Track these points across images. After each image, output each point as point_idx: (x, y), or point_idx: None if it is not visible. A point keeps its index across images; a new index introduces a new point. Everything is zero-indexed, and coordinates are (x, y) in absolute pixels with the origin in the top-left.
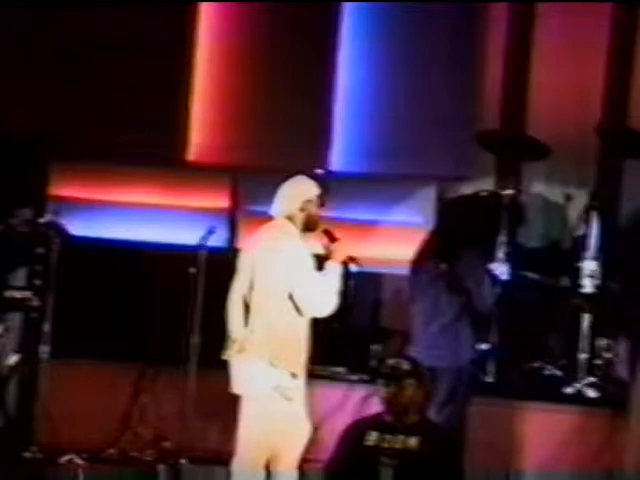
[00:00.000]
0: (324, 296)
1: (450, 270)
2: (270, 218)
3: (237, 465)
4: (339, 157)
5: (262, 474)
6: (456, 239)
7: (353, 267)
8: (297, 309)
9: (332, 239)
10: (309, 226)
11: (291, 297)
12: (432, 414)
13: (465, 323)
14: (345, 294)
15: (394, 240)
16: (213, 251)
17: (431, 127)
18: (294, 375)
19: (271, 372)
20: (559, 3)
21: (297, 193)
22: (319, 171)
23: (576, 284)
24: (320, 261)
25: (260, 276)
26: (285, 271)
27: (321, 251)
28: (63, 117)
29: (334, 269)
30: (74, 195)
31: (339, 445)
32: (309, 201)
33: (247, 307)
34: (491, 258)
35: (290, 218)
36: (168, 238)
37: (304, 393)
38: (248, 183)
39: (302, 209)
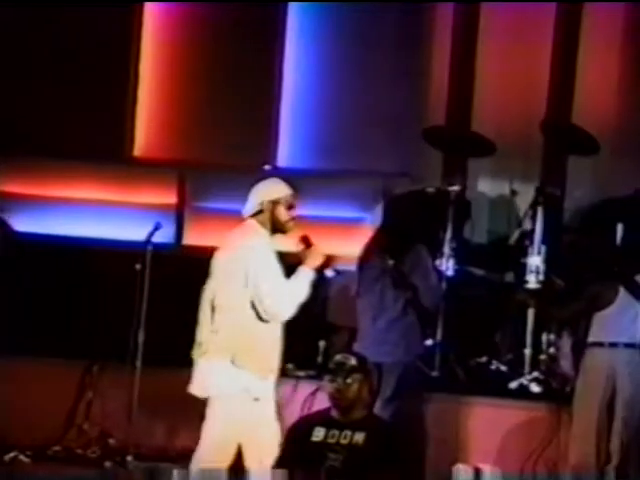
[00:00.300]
0: (281, 301)
1: (397, 266)
2: (216, 214)
3: (198, 465)
4: (286, 153)
5: (224, 475)
6: (402, 235)
7: (329, 272)
8: (254, 308)
9: (308, 245)
10: (277, 227)
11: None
12: (379, 410)
13: (412, 319)
14: (315, 299)
15: (341, 236)
16: (159, 247)
17: (377, 124)
18: (262, 376)
19: (236, 373)
20: (503, 2)
21: (263, 193)
22: (266, 167)
23: (521, 280)
24: (293, 264)
25: (226, 277)
26: (247, 273)
27: (291, 250)
28: (8, 113)
29: (305, 275)
30: (20, 191)
31: (286, 441)
32: (274, 202)
33: (213, 308)
34: (437, 254)
35: (258, 219)
36: (114, 234)
37: (273, 392)
38: (195, 179)
39: (268, 210)
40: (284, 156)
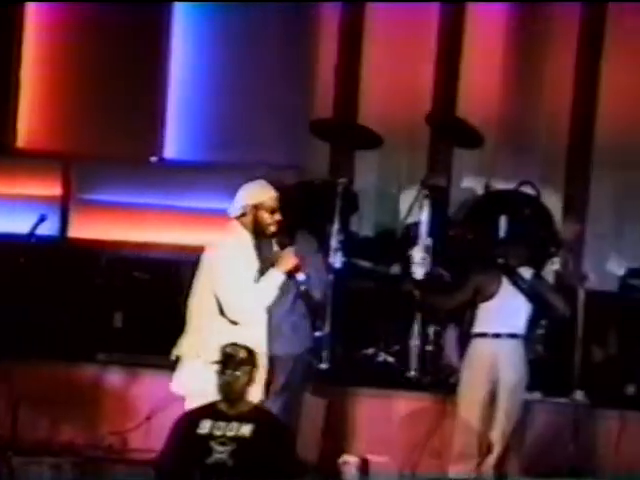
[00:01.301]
0: (245, 302)
1: None
2: (102, 206)
3: None
4: (174, 145)
5: None
6: (291, 227)
7: (300, 276)
8: (221, 311)
9: (282, 247)
10: (259, 230)
11: (217, 298)
12: (267, 402)
13: (302, 311)
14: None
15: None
16: (44, 240)
17: (266, 117)
18: None
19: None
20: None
21: (246, 197)
22: (153, 159)
23: (408, 272)
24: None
25: (198, 279)
26: (213, 276)
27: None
28: None
29: (274, 277)
30: None
31: (172, 434)
32: (257, 206)
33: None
34: (326, 246)
35: (241, 220)
36: None
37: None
38: (81, 171)
39: (251, 214)
40: (172, 148)
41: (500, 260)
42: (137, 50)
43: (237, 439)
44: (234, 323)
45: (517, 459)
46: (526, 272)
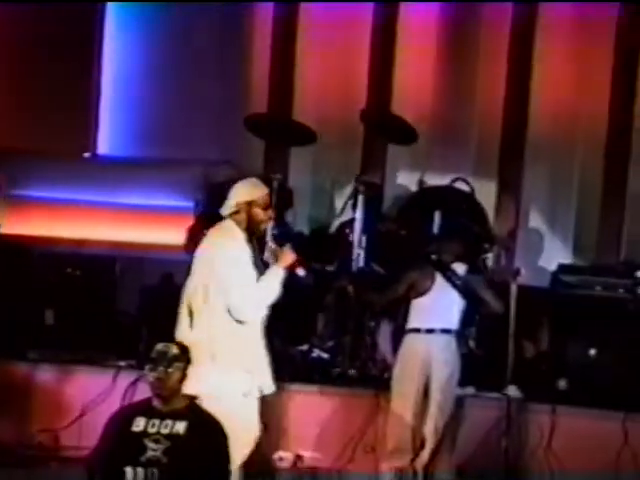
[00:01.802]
0: (248, 304)
1: None
2: (33, 202)
3: None
4: (107, 141)
5: None
6: None
7: (300, 271)
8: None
9: (280, 244)
10: (252, 227)
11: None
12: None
13: None
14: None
15: (162, 224)
16: None
17: (199, 112)
18: (245, 374)
19: (218, 373)
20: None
21: (239, 195)
22: (86, 155)
23: (342, 267)
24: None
25: (200, 277)
26: (217, 275)
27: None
28: None
29: (275, 274)
30: None
31: (106, 431)
32: (251, 203)
33: (191, 310)
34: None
35: (234, 219)
36: None
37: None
38: (11, 166)
39: (244, 211)
40: (105, 144)
41: (434, 256)
42: (70, 47)
43: (171, 436)
44: (240, 323)
45: (450, 453)
46: (459, 268)
